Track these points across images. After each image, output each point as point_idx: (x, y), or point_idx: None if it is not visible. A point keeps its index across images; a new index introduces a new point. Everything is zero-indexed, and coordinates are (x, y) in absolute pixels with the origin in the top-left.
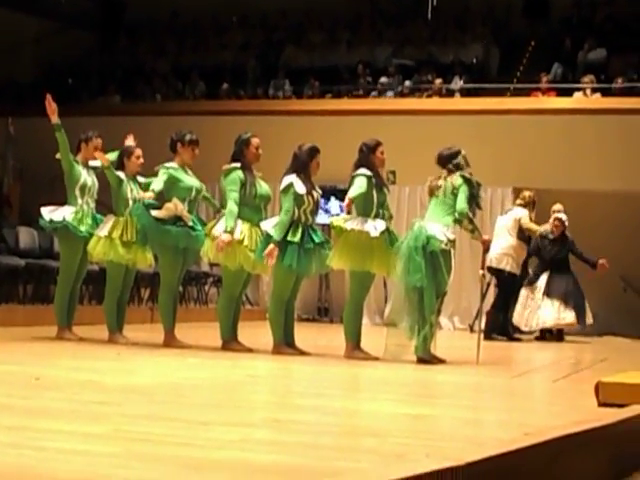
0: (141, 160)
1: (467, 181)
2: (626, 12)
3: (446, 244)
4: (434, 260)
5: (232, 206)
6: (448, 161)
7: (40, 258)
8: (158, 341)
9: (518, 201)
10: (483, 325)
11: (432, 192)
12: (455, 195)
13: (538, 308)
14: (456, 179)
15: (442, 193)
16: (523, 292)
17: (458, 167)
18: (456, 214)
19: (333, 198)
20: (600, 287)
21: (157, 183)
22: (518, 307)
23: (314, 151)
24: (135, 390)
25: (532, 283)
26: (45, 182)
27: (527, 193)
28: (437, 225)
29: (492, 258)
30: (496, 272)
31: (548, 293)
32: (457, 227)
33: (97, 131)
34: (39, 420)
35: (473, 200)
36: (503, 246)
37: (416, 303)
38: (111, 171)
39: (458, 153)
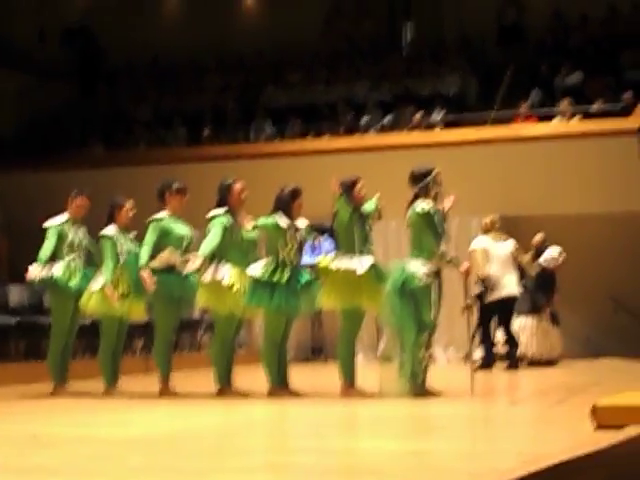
0: (132, 212)
1: (423, 216)
2: (600, 34)
3: (426, 278)
4: (415, 298)
5: (205, 246)
6: (418, 180)
7: (31, 314)
8: (154, 391)
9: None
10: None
11: (407, 222)
12: (417, 224)
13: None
14: (413, 213)
15: (412, 226)
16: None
17: (426, 190)
18: (437, 255)
19: (326, 236)
20: (591, 309)
21: (145, 249)
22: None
23: (296, 193)
24: (131, 442)
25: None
26: (33, 236)
27: (489, 219)
28: (417, 261)
29: (512, 290)
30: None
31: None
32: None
33: (82, 188)
34: (36, 478)
35: (437, 232)
36: (515, 279)
37: (402, 342)
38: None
39: (429, 172)
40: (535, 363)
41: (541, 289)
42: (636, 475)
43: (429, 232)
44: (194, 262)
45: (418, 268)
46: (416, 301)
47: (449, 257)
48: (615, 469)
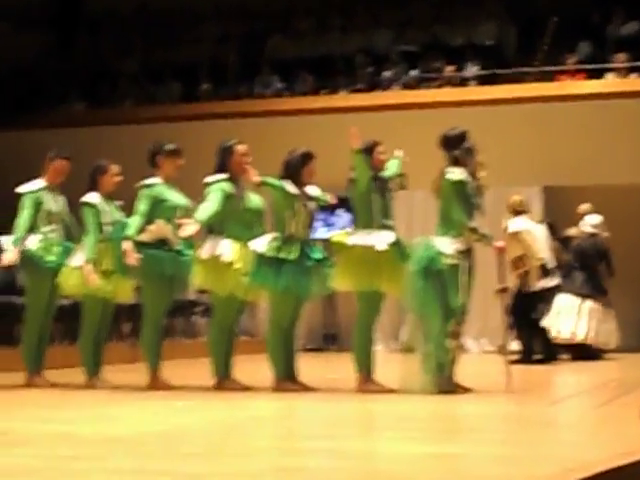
0: (118, 178)
1: (455, 184)
2: None
3: (454, 258)
4: (441, 279)
5: (202, 211)
6: (453, 145)
7: (2, 294)
8: (142, 383)
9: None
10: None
11: (434, 189)
12: (448, 193)
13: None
14: (447, 180)
15: (442, 197)
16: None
17: (463, 156)
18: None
19: (341, 210)
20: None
21: (136, 219)
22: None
23: (307, 157)
24: (117, 441)
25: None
26: (4, 204)
27: (519, 198)
28: (444, 238)
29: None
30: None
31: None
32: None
33: (60, 149)
34: None
35: (470, 204)
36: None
37: (426, 330)
38: None
39: (465, 137)
40: (593, 354)
41: (598, 264)
42: None
43: (460, 203)
44: (189, 227)
45: (446, 245)
46: (443, 283)
47: (481, 233)
48: None
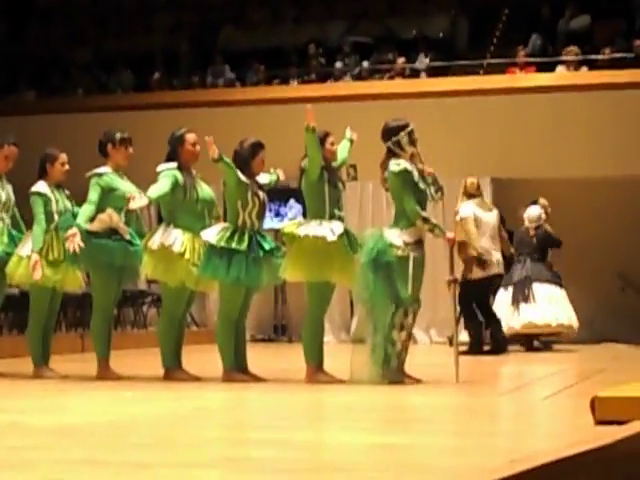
0: (66, 167)
1: (400, 174)
2: None
3: (403, 250)
4: (390, 271)
5: (153, 190)
6: (389, 136)
7: None
8: (91, 373)
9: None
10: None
11: (383, 184)
12: (394, 185)
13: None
14: (391, 172)
15: (390, 189)
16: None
17: (399, 146)
18: (408, 214)
19: (292, 200)
20: (596, 287)
21: (86, 208)
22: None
23: (257, 147)
24: (66, 431)
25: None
26: None
27: (471, 181)
28: (394, 230)
29: (499, 262)
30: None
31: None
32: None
33: (8, 136)
34: None
35: (420, 193)
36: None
37: (375, 321)
38: None
39: (403, 127)
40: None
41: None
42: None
43: (409, 193)
44: (138, 200)
45: (396, 237)
46: (392, 275)
47: (433, 223)
48: (617, 469)
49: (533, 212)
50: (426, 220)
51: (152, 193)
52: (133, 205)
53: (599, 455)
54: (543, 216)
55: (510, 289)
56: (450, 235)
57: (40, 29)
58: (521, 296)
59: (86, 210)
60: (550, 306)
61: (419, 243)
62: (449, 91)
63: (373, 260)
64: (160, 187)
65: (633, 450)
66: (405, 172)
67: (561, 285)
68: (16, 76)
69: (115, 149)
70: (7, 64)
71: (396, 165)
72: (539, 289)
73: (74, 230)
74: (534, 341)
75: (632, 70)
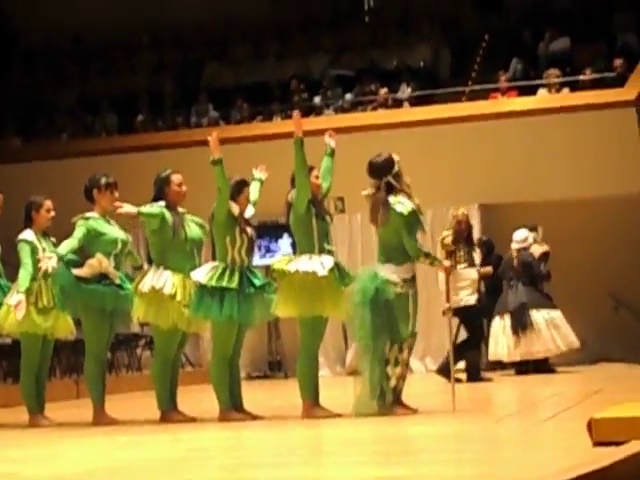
0: (52, 213)
1: (409, 216)
2: None
3: (402, 287)
4: (390, 309)
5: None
6: (385, 171)
7: None
8: (86, 419)
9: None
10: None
11: (374, 219)
12: (400, 225)
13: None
14: (397, 214)
15: (389, 227)
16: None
17: (398, 178)
18: (410, 255)
19: (285, 236)
20: (589, 307)
21: (69, 242)
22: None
23: (241, 185)
24: None
25: None
26: None
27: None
28: (389, 266)
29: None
30: None
31: None
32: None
33: None
34: None
35: (418, 228)
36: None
37: (373, 356)
38: None
39: (393, 160)
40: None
41: (536, 277)
42: None
43: (413, 233)
44: (48, 260)
45: (392, 274)
46: (392, 312)
47: (433, 257)
48: None
49: (517, 235)
50: (427, 255)
51: (62, 249)
52: (43, 265)
53: (598, 476)
54: (530, 240)
55: (506, 317)
56: (447, 264)
57: (24, 74)
58: (520, 325)
59: (68, 243)
60: (550, 331)
61: (414, 279)
62: (432, 119)
63: (371, 300)
64: (70, 242)
65: (631, 471)
66: (413, 213)
67: (555, 307)
68: (1, 122)
69: (101, 194)
70: None
71: (401, 205)
72: (537, 316)
73: (51, 254)
74: (530, 365)
75: (613, 90)
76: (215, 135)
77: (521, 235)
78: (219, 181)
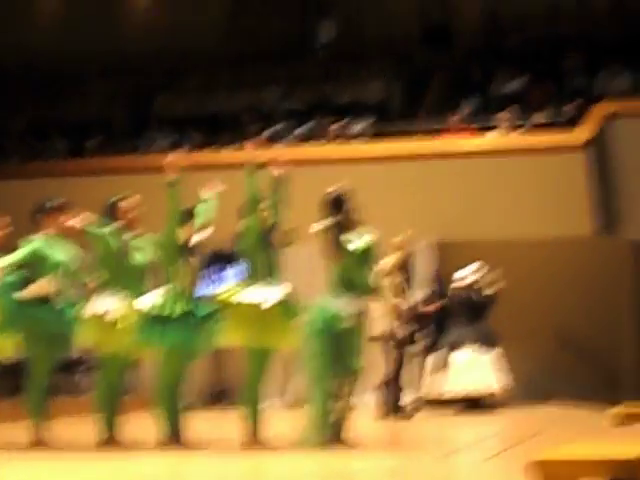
0: (7, 230)
1: (365, 252)
2: (540, 35)
3: (352, 319)
4: (339, 342)
5: None
6: (338, 208)
7: None
8: (24, 442)
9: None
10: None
11: (327, 256)
12: (352, 262)
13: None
14: (351, 251)
15: (342, 263)
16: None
17: (349, 214)
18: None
19: (230, 265)
20: (533, 346)
21: (12, 256)
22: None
23: (186, 215)
24: None
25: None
26: None
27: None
28: (340, 300)
29: None
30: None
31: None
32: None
33: None
34: None
35: (371, 263)
36: None
37: (318, 389)
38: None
39: (345, 196)
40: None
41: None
42: None
43: (367, 268)
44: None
45: (343, 307)
46: (341, 345)
47: (383, 292)
48: None
49: (457, 274)
50: (379, 289)
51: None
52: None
53: None
54: (469, 280)
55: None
56: (395, 301)
57: None
58: (441, 363)
59: (11, 256)
60: (468, 373)
61: (362, 313)
62: (384, 156)
63: (321, 331)
64: (13, 256)
65: None
66: (368, 249)
67: (491, 347)
68: None
69: (47, 217)
70: None
71: (356, 244)
72: (458, 356)
73: None
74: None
75: (563, 133)
76: (173, 158)
77: (458, 275)
78: (171, 203)
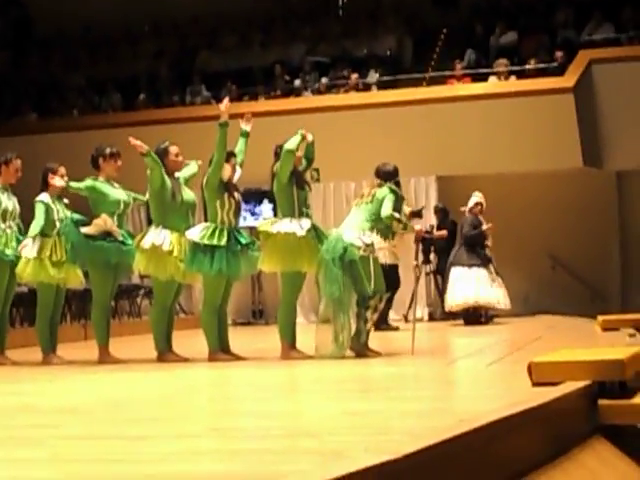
0: (65, 178)
1: (393, 192)
2: None
3: (364, 250)
4: (352, 269)
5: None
6: (391, 177)
7: None
8: (93, 358)
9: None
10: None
11: (368, 198)
12: (379, 203)
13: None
14: (382, 191)
15: (365, 201)
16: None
17: (397, 185)
18: (383, 218)
19: (266, 201)
20: (529, 266)
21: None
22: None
23: (229, 155)
24: (71, 411)
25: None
26: None
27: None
28: (353, 231)
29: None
30: None
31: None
32: (374, 232)
33: (15, 152)
34: None
35: (398, 209)
36: None
37: (340, 306)
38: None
39: (397, 171)
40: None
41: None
42: (572, 430)
43: (392, 203)
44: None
45: (357, 237)
46: (355, 273)
47: (405, 222)
48: (552, 425)
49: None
50: (399, 220)
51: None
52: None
53: (536, 412)
54: (470, 205)
55: (463, 268)
56: (417, 227)
57: (39, 57)
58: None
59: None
60: (461, 287)
61: (373, 245)
62: (397, 102)
63: (339, 258)
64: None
65: (565, 407)
66: (396, 193)
67: (482, 266)
68: (19, 100)
69: (105, 162)
70: (11, 90)
71: (387, 189)
72: (454, 272)
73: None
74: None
75: (554, 78)
76: (227, 101)
77: (469, 203)
78: (219, 142)
